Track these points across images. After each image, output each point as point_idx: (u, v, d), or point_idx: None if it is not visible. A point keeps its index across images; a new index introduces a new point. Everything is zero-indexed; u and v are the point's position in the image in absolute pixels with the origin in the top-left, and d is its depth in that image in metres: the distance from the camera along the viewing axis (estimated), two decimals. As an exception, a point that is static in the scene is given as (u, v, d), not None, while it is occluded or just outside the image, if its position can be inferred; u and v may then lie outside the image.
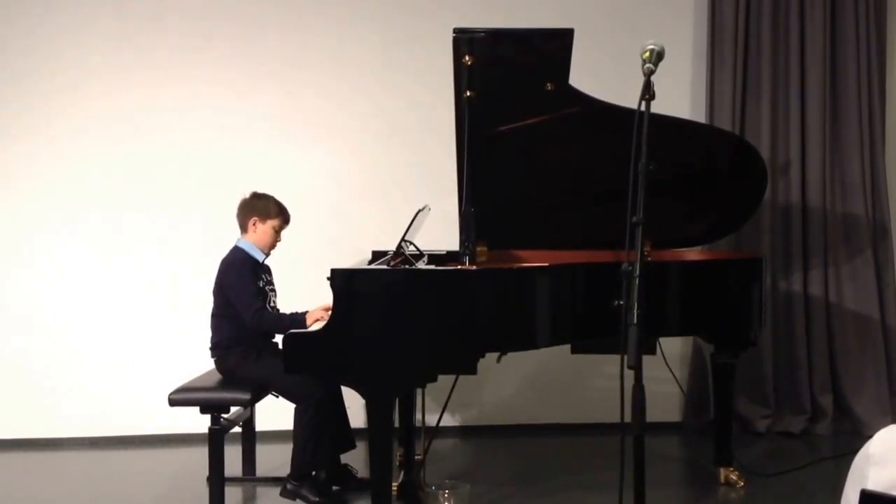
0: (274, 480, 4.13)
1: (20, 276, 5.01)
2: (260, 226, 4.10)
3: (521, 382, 5.18)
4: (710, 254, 4.75)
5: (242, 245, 4.10)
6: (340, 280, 3.32)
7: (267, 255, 4.15)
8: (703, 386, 5.07)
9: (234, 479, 4.14)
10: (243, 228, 4.13)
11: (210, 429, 3.75)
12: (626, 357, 2.28)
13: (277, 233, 4.15)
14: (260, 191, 4.17)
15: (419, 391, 4.10)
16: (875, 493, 1.31)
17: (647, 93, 2.51)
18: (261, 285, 4.04)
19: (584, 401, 5.10)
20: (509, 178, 4.06)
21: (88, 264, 5.02)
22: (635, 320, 2.27)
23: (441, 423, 4.20)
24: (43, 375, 4.99)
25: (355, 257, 4.45)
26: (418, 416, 4.19)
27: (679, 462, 4.79)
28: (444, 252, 4.22)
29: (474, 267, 3.53)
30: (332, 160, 5.11)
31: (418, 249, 4.00)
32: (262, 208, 4.10)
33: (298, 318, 3.90)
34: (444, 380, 3.59)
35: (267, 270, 4.18)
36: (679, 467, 4.72)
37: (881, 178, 5.14)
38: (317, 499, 3.86)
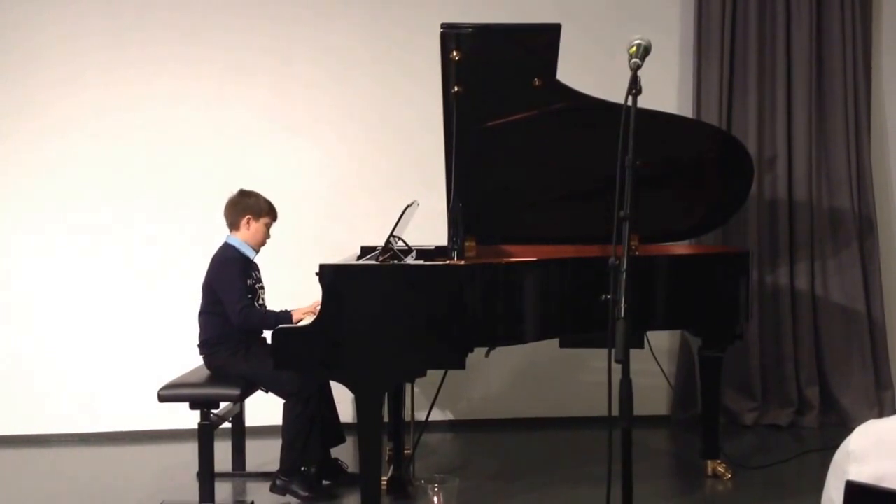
0: (264, 475, 4.14)
1: (7, 272, 4.99)
2: (253, 223, 4.09)
3: (509, 377, 5.19)
4: (697, 248, 4.77)
5: (233, 242, 4.10)
6: (329, 275, 3.33)
7: (257, 252, 4.15)
8: (691, 379, 5.09)
9: (223, 475, 4.15)
10: (234, 226, 4.12)
11: (200, 424, 3.75)
12: (613, 351, 2.29)
13: (268, 229, 4.15)
14: (246, 188, 4.17)
15: (408, 386, 4.10)
16: (860, 485, 1.32)
17: (634, 88, 2.51)
18: (250, 283, 4.04)
19: (573, 395, 5.12)
20: (498, 174, 4.07)
21: (76, 260, 5.01)
22: (622, 314, 2.28)
23: (430, 418, 4.21)
24: (31, 371, 4.98)
25: (344, 253, 4.44)
26: (407, 410, 4.20)
27: (666, 455, 4.81)
28: (433, 247, 4.23)
29: (462, 262, 3.54)
30: (321, 155, 5.11)
31: (407, 245, 4.00)
32: (255, 206, 4.10)
33: (284, 317, 3.90)
34: (433, 374, 3.60)
35: (256, 268, 4.17)
36: (666, 460, 4.74)
37: (867, 173, 5.17)
38: (306, 493, 3.87)
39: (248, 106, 5.06)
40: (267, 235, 4.16)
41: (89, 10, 4.98)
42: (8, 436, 4.94)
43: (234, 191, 4.17)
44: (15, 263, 4.99)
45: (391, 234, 3.74)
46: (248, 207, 4.10)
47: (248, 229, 4.10)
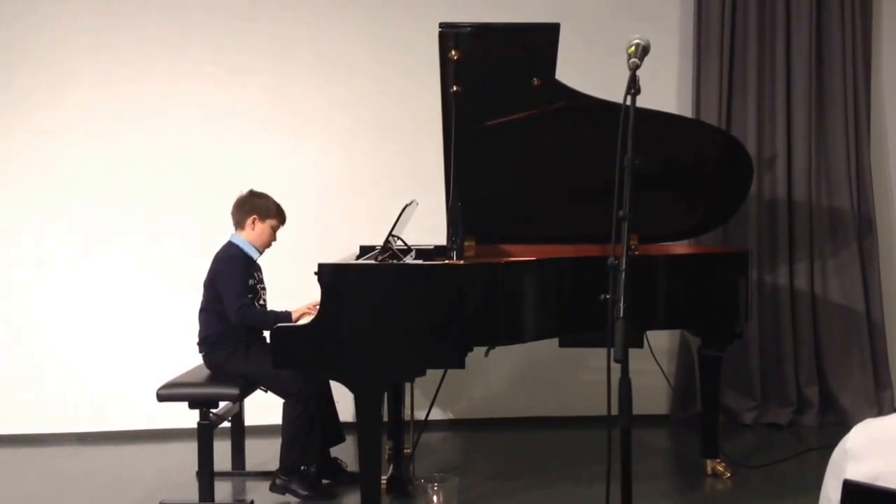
0: (263, 475, 4.14)
1: (6, 273, 4.99)
2: (259, 224, 4.09)
3: (508, 376, 5.20)
4: (697, 248, 4.77)
5: (237, 241, 4.09)
6: (328, 275, 3.33)
7: (261, 253, 4.15)
8: (690, 378, 5.09)
9: (223, 474, 4.15)
10: (240, 225, 4.12)
11: (199, 424, 3.75)
12: (612, 351, 2.28)
13: (274, 232, 4.15)
14: (251, 188, 4.17)
15: (408, 385, 4.11)
16: (858, 484, 1.33)
17: (633, 87, 2.51)
18: (251, 283, 4.04)
19: (572, 394, 5.12)
20: (497, 173, 4.07)
21: (75, 260, 5.01)
22: (622, 314, 2.28)
23: (430, 417, 4.21)
24: (31, 371, 4.98)
25: (343, 252, 4.44)
26: (407, 410, 4.20)
27: (666, 454, 4.81)
28: (432, 247, 4.23)
29: (461, 261, 3.54)
30: (319, 155, 5.10)
31: (406, 244, 4.00)
32: (262, 207, 4.10)
33: (284, 317, 3.90)
34: (433, 374, 3.60)
35: (258, 268, 4.17)
36: (666, 459, 4.75)
37: (866, 173, 5.17)
38: (306, 492, 3.88)
39: (248, 106, 5.06)
40: (272, 238, 4.16)
41: (82, 11, 4.97)
42: (8, 435, 4.94)
43: (245, 190, 4.17)
44: (14, 263, 4.99)
45: (390, 234, 3.74)
46: (256, 208, 4.10)
47: (254, 230, 4.09)
